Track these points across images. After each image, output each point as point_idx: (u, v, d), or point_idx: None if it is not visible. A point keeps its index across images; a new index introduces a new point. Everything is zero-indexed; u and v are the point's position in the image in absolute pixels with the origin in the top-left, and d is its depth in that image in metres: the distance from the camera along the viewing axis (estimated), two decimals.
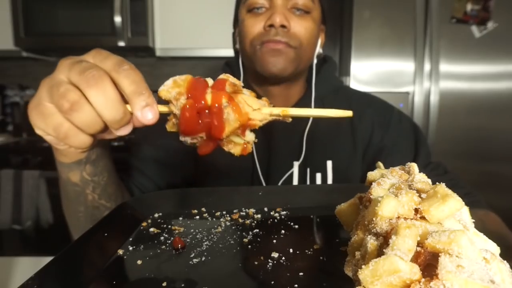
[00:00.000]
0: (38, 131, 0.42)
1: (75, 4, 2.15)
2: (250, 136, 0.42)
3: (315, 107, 0.87)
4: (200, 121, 0.39)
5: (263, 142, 0.83)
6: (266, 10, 0.79)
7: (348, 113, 0.41)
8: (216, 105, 0.39)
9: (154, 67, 2.62)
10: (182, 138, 0.41)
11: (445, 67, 1.86)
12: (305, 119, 0.85)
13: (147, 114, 0.39)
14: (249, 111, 0.41)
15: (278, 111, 0.42)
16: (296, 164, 0.82)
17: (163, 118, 0.42)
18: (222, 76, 0.42)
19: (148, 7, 2.13)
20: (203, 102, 0.39)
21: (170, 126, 0.42)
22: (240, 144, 0.42)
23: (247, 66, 0.88)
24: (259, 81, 0.86)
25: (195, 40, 2.21)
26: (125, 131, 0.42)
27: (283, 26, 0.77)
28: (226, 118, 0.40)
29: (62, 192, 0.59)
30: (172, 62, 2.57)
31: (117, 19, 2.11)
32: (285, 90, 0.87)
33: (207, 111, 0.39)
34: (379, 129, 0.87)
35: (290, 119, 0.43)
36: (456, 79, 1.87)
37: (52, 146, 0.48)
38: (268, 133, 0.83)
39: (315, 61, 0.89)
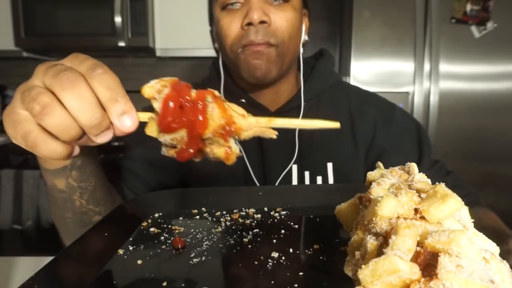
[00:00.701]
0: (13, 140, 0.39)
1: (75, 4, 2.15)
2: (234, 146, 0.40)
3: (310, 105, 0.84)
4: (182, 117, 0.37)
5: (254, 144, 0.79)
6: (241, 5, 0.74)
7: (336, 125, 0.39)
8: (200, 102, 0.37)
9: (154, 67, 2.62)
10: (161, 138, 0.39)
11: (444, 67, 1.86)
12: (296, 114, 0.82)
13: (125, 122, 0.37)
14: (234, 115, 0.39)
15: (264, 120, 0.40)
16: (294, 167, 0.79)
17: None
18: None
19: (148, 7, 2.14)
20: (187, 97, 0.38)
21: (149, 129, 0.39)
22: (223, 146, 0.40)
23: (232, 69, 0.84)
24: (245, 84, 0.83)
25: (195, 40, 2.20)
26: (105, 137, 0.38)
27: (262, 22, 0.72)
28: (210, 114, 0.38)
29: (49, 198, 0.58)
30: (172, 62, 2.57)
31: (117, 19, 2.11)
32: (273, 89, 0.83)
33: (190, 104, 0.38)
34: (381, 129, 0.83)
35: (275, 136, 0.41)
36: (456, 79, 1.87)
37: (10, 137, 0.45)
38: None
39: (301, 50, 0.83)
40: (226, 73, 0.86)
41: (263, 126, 0.40)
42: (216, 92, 0.40)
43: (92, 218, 0.57)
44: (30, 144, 0.37)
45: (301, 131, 0.81)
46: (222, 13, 0.75)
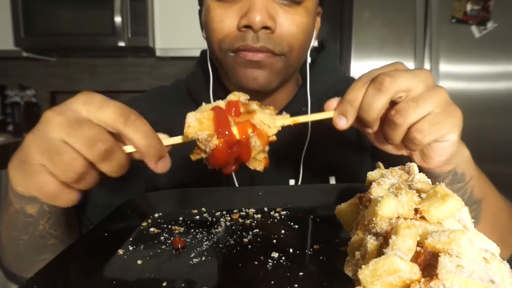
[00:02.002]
0: (19, 188, 0.39)
1: (75, 4, 2.15)
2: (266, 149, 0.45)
3: (313, 108, 0.72)
4: (230, 152, 0.42)
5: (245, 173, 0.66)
6: None
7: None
8: (244, 136, 0.41)
9: (154, 67, 2.62)
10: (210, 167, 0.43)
11: (444, 67, 1.86)
12: (300, 139, 0.71)
13: (161, 166, 0.39)
14: (268, 131, 0.43)
15: (289, 121, 0.45)
16: (291, 182, 0.71)
17: None
18: (232, 96, 0.44)
19: (148, 7, 2.14)
20: (232, 137, 0.41)
21: (195, 157, 0.43)
22: (262, 160, 0.45)
23: (219, 70, 0.72)
24: (234, 87, 0.67)
25: (195, 40, 2.20)
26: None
27: (265, 27, 0.58)
28: (253, 146, 0.42)
29: (4, 218, 0.52)
30: (172, 62, 2.57)
31: (117, 19, 2.11)
32: (271, 97, 0.71)
33: (236, 145, 0.42)
34: None
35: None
36: (456, 79, 1.87)
37: (11, 180, 0.42)
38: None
39: (309, 60, 0.72)
40: (214, 72, 0.74)
41: (286, 125, 0.45)
42: (242, 97, 0.44)
43: (47, 242, 0.54)
44: (49, 196, 0.37)
45: (306, 155, 0.70)
46: (214, 3, 0.61)
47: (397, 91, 0.41)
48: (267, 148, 0.44)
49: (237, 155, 0.42)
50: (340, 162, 0.73)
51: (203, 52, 0.77)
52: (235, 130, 0.41)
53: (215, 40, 0.62)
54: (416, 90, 0.41)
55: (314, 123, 0.71)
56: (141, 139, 0.37)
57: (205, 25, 0.64)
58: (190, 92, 0.77)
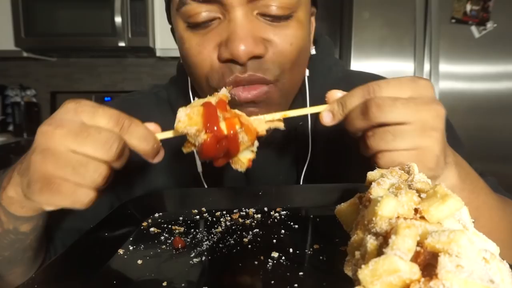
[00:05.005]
0: (50, 207, 0.39)
1: (75, 4, 2.15)
2: (255, 144, 0.45)
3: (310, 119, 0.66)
4: (218, 146, 0.43)
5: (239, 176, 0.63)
6: (218, 22, 0.50)
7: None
8: (232, 131, 0.42)
9: (154, 67, 2.62)
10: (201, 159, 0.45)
11: (444, 67, 1.86)
12: (301, 157, 0.65)
13: (158, 158, 0.43)
14: (257, 126, 0.44)
15: (279, 115, 0.46)
16: None
17: None
18: (224, 92, 0.45)
19: (148, 7, 2.13)
20: (220, 133, 0.42)
21: (186, 150, 0.45)
22: (245, 162, 0.45)
23: None
24: None
25: None
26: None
27: (254, 57, 0.49)
28: (241, 141, 0.43)
29: None
30: (172, 62, 2.57)
31: (118, 19, 2.11)
32: None
33: (224, 140, 0.43)
34: None
35: (283, 127, 0.46)
36: (456, 79, 1.87)
37: (9, 204, 0.44)
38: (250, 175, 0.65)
39: (307, 73, 0.65)
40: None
41: (274, 120, 0.46)
42: (235, 111, 0.44)
43: (26, 254, 0.53)
44: (79, 203, 0.38)
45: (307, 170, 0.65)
46: (187, 33, 0.52)
47: (381, 123, 0.40)
48: (256, 143, 0.45)
49: (226, 149, 0.43)
50: (340, 168, 0.66)
51: (181, 65, 0.68)
52: (223, 125, 0.42)
53: (199, 76, 0.53)
54: (405, 125, 0.40)
55: (317, 137, 0.66)
56: (139, 144, 0.40)
57: (182, 57, 0.56)
58: (171, 102, 0.71)
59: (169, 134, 0.44)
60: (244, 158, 0.45)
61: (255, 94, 0.51)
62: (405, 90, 0.41)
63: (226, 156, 0.44)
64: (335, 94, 0.45)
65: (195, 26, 0.50)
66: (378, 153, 0.41)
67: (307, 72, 0.64)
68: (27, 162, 0.38)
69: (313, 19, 0.64)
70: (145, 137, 0.40)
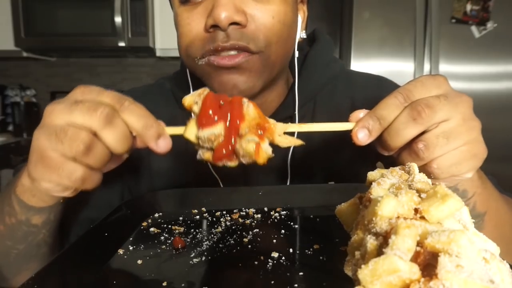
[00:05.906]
0: (47, 184, 0.39)
1: (75, 4, 2.15)
2: (266, 146, 0.41)
3: (303, 112, 0.67)
4: (221, 111, 0.40)
5: (237, 174, 0.62)
6: None
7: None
8: (237, 101, 0.41)
9: (154, 67, 2.62)
10: (200, 133, 0.40)
11: (444, 67, 1.86)
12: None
13: (162, 145, 0.40)
14: (267, 119, 0.42)
15: (296, 127, 0.43)
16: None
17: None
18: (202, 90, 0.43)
19: (148, 7, 2.14)
20: (221, 102, 0.41)
21: (188, 131, 0.42)
22: (254, 142, 0.41)
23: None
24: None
25: None
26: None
27: (234, 23, 0.52)
28: (246, 111, 0.40)
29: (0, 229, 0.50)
30: (172, 62, 2.57)
31: (117, 19, 2.11)
32: (259, 99, 0.62)
33: (227, 102, 0.41)
34: None
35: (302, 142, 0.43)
36: (456, 79, 1.87)
37: (22, 192, 0.44)
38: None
39: (296, 54, 0.65)
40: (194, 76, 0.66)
41: (294, 130, 0.43)
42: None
43: (40, 250, 0.52)
44: (78, 182, 0.38)
45: (297, 156, 0.65)
46: (180, 8, 0.57)
47: (433, 123, 0.39)
48: (268, 147, 0.41)
49: (230, 115, 0.40)
50: (338, 163, 0.67)
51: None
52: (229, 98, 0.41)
53: (182, 46, 0.57)
54: (451, 122, 0.39)
55: (306, 117, 0.67)
56: (137, 121, 0.39)
57: (177, 32, 0.60)
58: (174, 92, 0.73)
59: (179, 130, 0.42)
60: (268, 150, 0.42)
61: (237, 61, 0.53)
62: (431, 89, 0.41)
63: (229, 137, 0.40)
64: (359, 113, 0.42)
65: (187, 1, 0.55)
66: (431, 163, 0.40)
67: (296, 53, 0.65)
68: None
69: (305, 7, 0.65)
70: (144, 115, 0.39)
